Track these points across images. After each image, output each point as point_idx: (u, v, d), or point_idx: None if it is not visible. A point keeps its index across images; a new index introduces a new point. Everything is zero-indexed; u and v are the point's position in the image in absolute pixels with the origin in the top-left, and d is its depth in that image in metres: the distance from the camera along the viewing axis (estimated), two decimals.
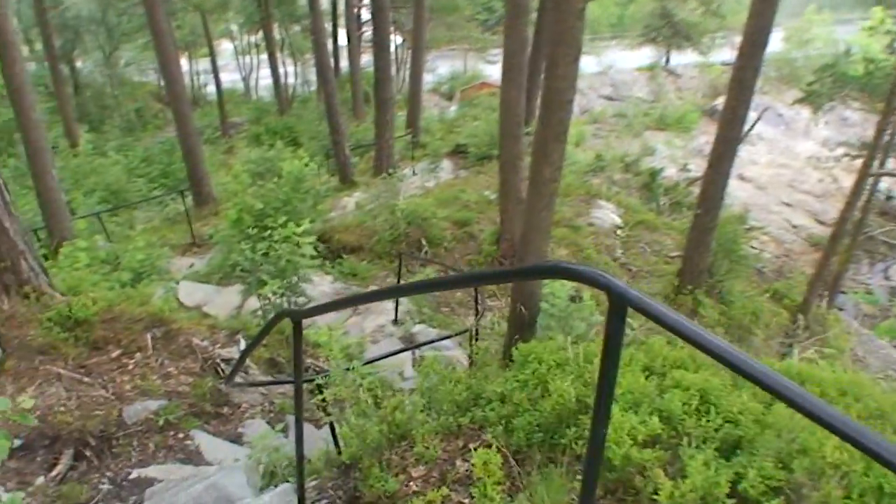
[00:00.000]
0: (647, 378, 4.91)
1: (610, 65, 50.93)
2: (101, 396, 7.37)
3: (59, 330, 7.79)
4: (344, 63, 46.20)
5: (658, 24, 46.15)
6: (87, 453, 6.73)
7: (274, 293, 11.56)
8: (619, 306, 2.33)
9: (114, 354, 7.99)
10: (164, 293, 12.73)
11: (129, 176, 29.52)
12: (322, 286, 15.97)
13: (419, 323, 14.73)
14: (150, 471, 6.70)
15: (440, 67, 52.15)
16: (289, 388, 8.84)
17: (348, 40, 40.22)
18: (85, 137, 32.08)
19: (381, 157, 26.88)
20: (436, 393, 5.60)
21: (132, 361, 7.98)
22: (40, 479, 6.32)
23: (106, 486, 6.46)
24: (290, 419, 8.30)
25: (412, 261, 17.75)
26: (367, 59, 39.88)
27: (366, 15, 43.59)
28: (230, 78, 52.93)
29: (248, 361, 8.95)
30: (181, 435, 7.30)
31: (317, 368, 9.34)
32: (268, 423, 8.23)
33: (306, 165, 18.42)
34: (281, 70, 46.94)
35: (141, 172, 30.90)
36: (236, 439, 7.66)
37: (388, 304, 15.28)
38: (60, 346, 7.69)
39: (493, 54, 51.96)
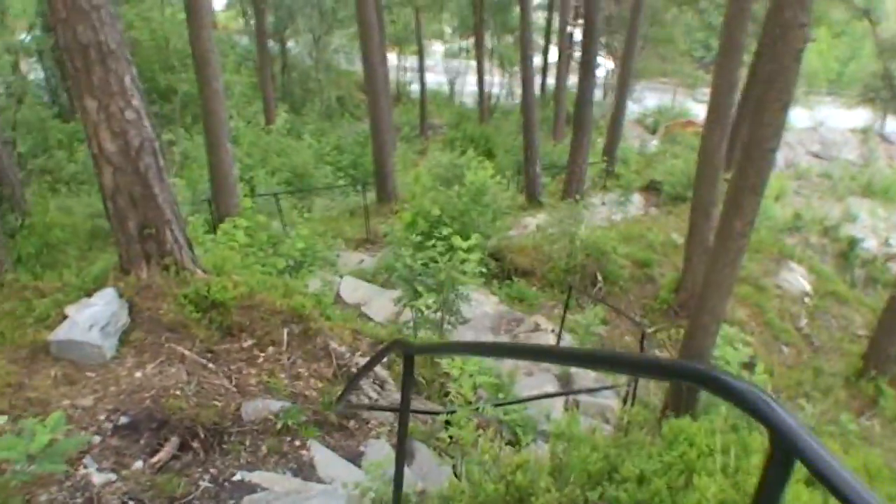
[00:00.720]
0: (810, 490, 4.12)
1: (822, 121, 48.85)
2: (222, 386, 7.00)
3: (192, 309, 7.48)
4: (551, 81, 45.77)
5: (878, 85, 44.08)
6: (195, 444, 6.36)
7: (427, 307, 11.01)
8: (784, 453, 1.68)
9: (245, 344, 7.61)
10: (322, 286, 12.32)
11: (318, 161, 29.68)
12: (485, 306, 15.43)
13: None
14: (256, 476, 6.27)
15: (647, 98, 51.27)
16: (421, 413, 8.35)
17: (558, 58, 39.76)
18: (282, 117, 32.35)
19: (572, 181, 26.16)
20: (568, 456, 4.93)
21: (263, 355, 7.59)
22: (138, 464, 5.96)
23: (205, 484, 6.06)
24: (416, 446, 7.79)
25: (583, 295, 17.01)
26: (574, 79, 39.33)
27: (578, 35, 43.01)
28: (436, 79, 53.28)
29: (387, 376, 8.45)
30: (297, 443, 6.87)
31: (457, 398, 8.75)
32: (393, 446, 7.70)
33: (492, 177, 17.84)
34: (487, 78, 46.85)
35: (331, 160, 31.06)
36: (356, 458, 7.19)
37: (551, 336, 14.63)
38: (191, 325, 7.38)
39: (704, 93, 50.88)
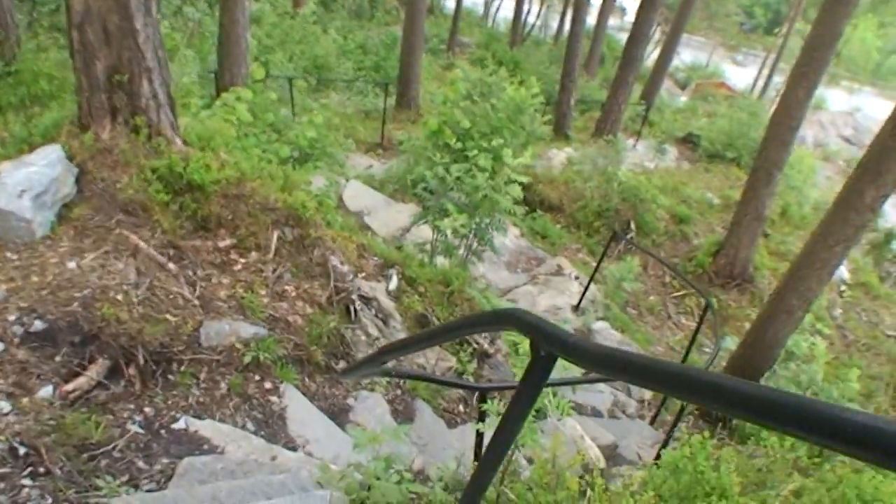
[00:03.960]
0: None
1: (858, 108, 49.80)
2: (181, 296, 5.28)
3: (160, 188, 5.67)
4: (590, 20, 44.56)
5: None
6: (130, 371, 4.75)
7: (455, 231, 9.22)
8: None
9: (222, 244, 5.84)
10: (326, 186, 10.57)
11: (340, 58, 28.00)
12: (504, 238, 13.86)
13: (602, 319, 12.38)
14: (205, 427, 4.67)
15: (683, 53, 50.41)
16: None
17: None
18: (310, 6, 30.45)
19: (608, 119, 24.73)
20: None
21: (242, 261, 5.85)
22: (46, 390, 4.29)
23: (135, 429, 4.45)
24: (419, 406, 6.15)
25: (616, 242, 15.59)
26: (612, 22, 38.57)
27: None
28: None
29: (392, 309, 6.75)
30: (268, 385, 5.32)
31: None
32: (389, 402, 6.04)
33: (534, 97, 16.00)
34: (525, 7, 46.57)
35: (353, 58, 29.44)
36: (340, 414, 5.58)
37: (573, 282, 13.15)
38: (155, 210, 5.59)
39: (743, 57, 51.53)
